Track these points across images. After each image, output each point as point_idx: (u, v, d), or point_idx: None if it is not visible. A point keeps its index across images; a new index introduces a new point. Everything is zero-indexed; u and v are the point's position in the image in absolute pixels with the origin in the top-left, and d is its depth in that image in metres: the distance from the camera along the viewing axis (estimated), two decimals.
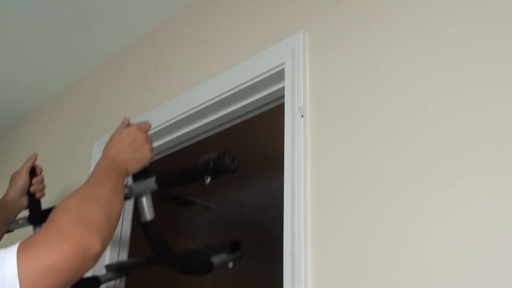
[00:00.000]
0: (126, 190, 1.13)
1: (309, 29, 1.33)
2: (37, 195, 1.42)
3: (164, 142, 1.70)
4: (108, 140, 1.10)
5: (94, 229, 0.85)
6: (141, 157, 1.12)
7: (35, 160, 1.45)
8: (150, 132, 1.60)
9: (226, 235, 3.86)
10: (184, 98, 1.61)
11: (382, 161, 1.06)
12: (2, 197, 1.39)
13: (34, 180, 1.42)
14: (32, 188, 1.41)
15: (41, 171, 1.45)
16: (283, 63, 1.33)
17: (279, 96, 1.40)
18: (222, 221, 3.77)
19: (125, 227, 1.79)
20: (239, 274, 4.45)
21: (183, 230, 3.78)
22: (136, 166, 1.11)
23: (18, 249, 0.78)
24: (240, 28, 1.57)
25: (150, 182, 1.14)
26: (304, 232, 1.12)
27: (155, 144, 1.72)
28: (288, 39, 1.35)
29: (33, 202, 1.41)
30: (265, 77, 1.38)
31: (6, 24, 1.96)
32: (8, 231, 1.37)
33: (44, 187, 1.44)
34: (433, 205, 0.95)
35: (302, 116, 1.24)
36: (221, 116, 1.54)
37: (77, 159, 2.02)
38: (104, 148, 1.09)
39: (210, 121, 1.57)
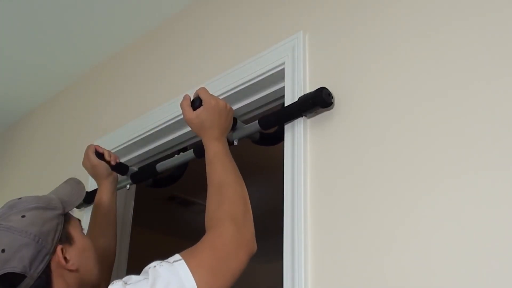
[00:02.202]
0: (236, 142, 1.34)
1: (309, 29, 1.33)
2: (117, 160, 1.60)
3: (166, 141, 1.71)
4: (193, 128, 1.19)
5: (249, 230, 1.01)
6: (227, 113, 1.21)
7: (93, 147, 1.58)
8: (153, 131, 1.61)
9: None
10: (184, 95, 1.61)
11: (383, 162, 1.06)
12: (100, 190, 1.55)
13: (107, 156, 1.57)
14: (112, 162, 1.58)
15: (100, 148, 1.60)
16: (283, 63, 1.33)
17: (279, 96, 1.40)
18: None
19: (126, 229, 1.80)
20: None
21: (183, 230, 3.78)
22: (230, 123, 1.23)
23: (185, 261, 0.91)
24: (240, 28, 1.57)
25: (254, 125, 1.32)
26: (304, 232, 1.12)
27: (158, 143, 1.72)
28: (288, 39, 1.35)
29: (121, 167, 1.63)
30: (265, 77, 1.38)
31: (5, 24, 1.96)
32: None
33: (111, 153, 1.61)
34: (435, 208, 0.95)
35: (302, 116, 1.24)
36: None
37: (77, 159, 2.02)
38: (198, 133, 1.19)
39: None
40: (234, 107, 1.49)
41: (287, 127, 1.26)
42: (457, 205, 0.92)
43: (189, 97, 1.22)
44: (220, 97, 1.47)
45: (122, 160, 1.84)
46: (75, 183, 1.17)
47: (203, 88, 1.22)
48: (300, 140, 1.21)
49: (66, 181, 1.19)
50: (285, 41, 1.36)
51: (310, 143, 1.21)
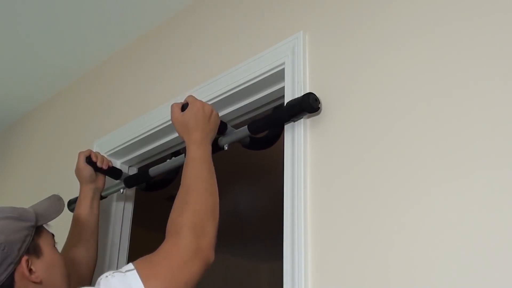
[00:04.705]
0: (226, 147, 1.35)
1: (309, 29, 1.33)
2: (110, 165, 1.61)
3: (166, 142, 1.71)
4: (178, 128, 1.21)
5: (208, 240, 1.00)
6: (212, 118, 1.23)
7: (88, 152, 1.58)
8: (153, 132, 1.66)
9: (226, 235, 3.86)
10: (184, 98, 1.61)
11: (383, 162, 1.06)
12: (79, 196, 1.54)
13: (99, 163, 1.57)
14: (105, 166, 1.58)
15: (95, 154, 1.59)
16: (283, 63, 1.33)
17: (279, 96, 1.40)
18: (227, 220, 3.77)
19: (124, 230, 1.80)
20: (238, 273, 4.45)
21: None
22: (215, 128, 1.24)
23: (138, 270, 0.90)
24: (240, 28, 1.57)
25: (243, 130, 1.34)
26: (304, 233, 1.12)
27: (158, 143, 1.72)
28: (288, 39, 1.35)
29: (114, 172, 1.64)
30: (265, 77, 1.38)
31: (6, 23, 1.96)
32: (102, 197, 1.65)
33: (104, 158, 1.61)
34: (435, 206, 0.95)
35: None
36: (221, 116, 1.54)
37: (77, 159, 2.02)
38: (181, 134, 1.20)
39: None
40: (234, 107, 1.50)
41: (287, 128, 1.27)
42: (458, 202, 0.93)
43: (182, 103, 1.26)
44: (221, 97, 1.48)
45: (122, 161, 1.85)
46: (55, 199, 1.18)
47: (191, 95, 1.27)
48: (300, 141, 1.21)
49: (48, 197, 1.20)
50: (285, 41, 1.36)
51: (310, 143, 1.21)
